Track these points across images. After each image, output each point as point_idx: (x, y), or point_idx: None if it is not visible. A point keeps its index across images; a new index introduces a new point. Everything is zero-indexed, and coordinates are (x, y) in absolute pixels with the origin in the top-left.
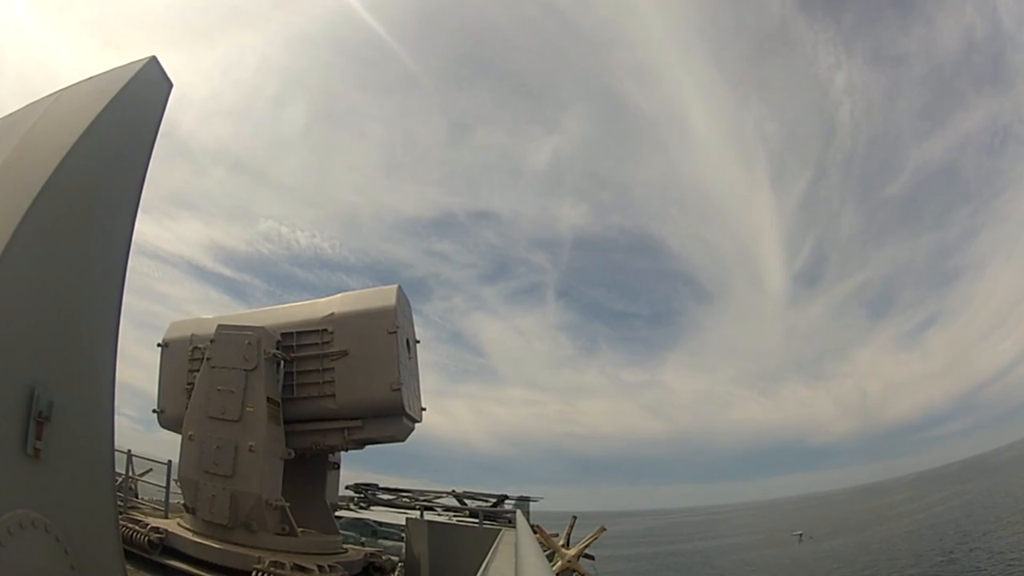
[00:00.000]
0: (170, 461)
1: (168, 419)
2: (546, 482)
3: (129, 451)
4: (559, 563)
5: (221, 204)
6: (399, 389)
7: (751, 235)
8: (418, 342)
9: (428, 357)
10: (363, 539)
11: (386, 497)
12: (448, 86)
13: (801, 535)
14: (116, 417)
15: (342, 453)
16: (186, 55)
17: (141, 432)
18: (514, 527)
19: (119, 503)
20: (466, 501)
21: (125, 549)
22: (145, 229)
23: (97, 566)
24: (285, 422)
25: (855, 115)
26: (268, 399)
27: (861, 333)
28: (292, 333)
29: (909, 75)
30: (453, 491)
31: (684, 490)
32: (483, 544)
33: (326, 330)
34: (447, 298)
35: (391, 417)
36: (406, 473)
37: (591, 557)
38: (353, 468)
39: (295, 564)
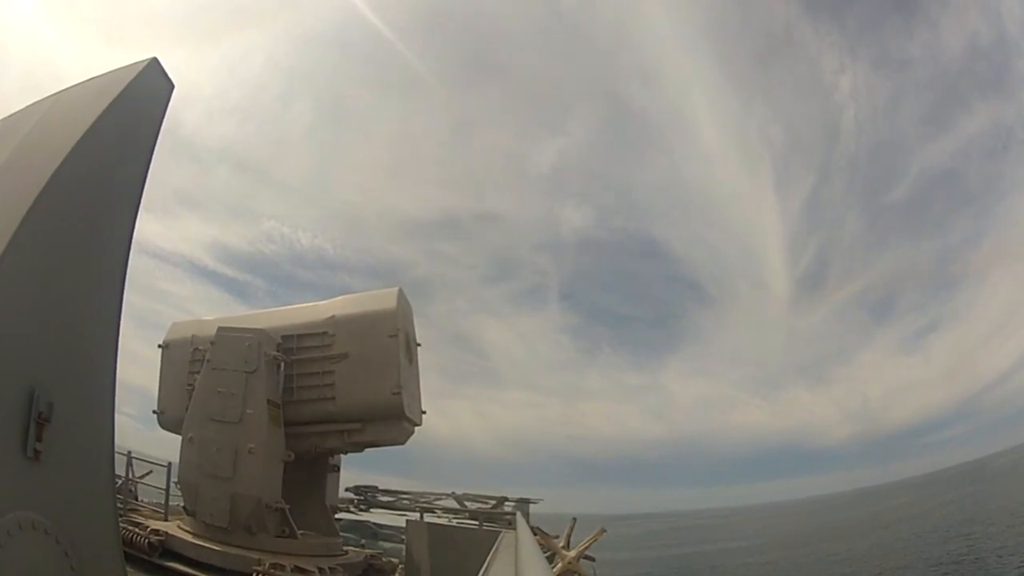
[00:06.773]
0: (170, 463)
1: (168, 420)
2: (546, 484)
3: (129, 453)
4: (559, 565)
5: (224, 203)
6: (399, 392)
7: (754, 238)
8: (419, 345)
9: (429, 359)
10: (363, 541)
11: (386, 499)
12: (453, 87)
13: None
14: (117, 416)
15: (342, 455)
16: (191, 53)
17: (142, 431)
18: (514, 529)
19: (119, 505)
20: (466, 503)
21: (125, 551)
22: (148, 228)
23: (97, 568)
24: (285, 424)
25: (859, 119)
26: (268, 401)
27: (863, 337)
28: (293, 335)
29: (913, 79)
30: (453, 493)
31: (685, 493)
32: (483, 546)
33: (327, 333)
34: (449, 300)
35: (391, 420)
36: (406, 475)
37: (591, 559)
38: (353, 470)
39: (295, 566)
